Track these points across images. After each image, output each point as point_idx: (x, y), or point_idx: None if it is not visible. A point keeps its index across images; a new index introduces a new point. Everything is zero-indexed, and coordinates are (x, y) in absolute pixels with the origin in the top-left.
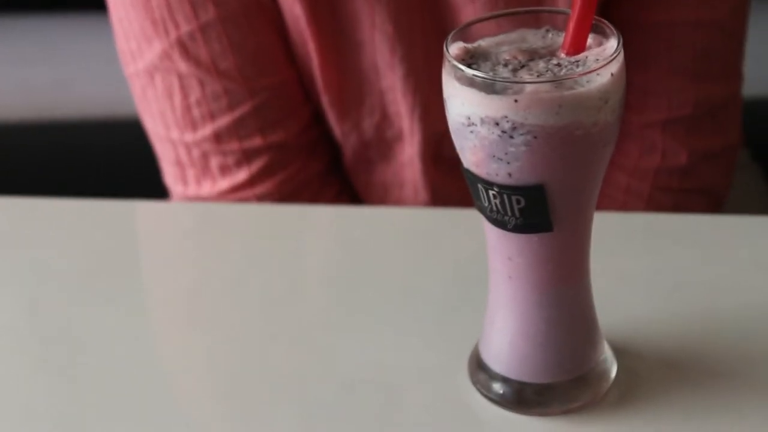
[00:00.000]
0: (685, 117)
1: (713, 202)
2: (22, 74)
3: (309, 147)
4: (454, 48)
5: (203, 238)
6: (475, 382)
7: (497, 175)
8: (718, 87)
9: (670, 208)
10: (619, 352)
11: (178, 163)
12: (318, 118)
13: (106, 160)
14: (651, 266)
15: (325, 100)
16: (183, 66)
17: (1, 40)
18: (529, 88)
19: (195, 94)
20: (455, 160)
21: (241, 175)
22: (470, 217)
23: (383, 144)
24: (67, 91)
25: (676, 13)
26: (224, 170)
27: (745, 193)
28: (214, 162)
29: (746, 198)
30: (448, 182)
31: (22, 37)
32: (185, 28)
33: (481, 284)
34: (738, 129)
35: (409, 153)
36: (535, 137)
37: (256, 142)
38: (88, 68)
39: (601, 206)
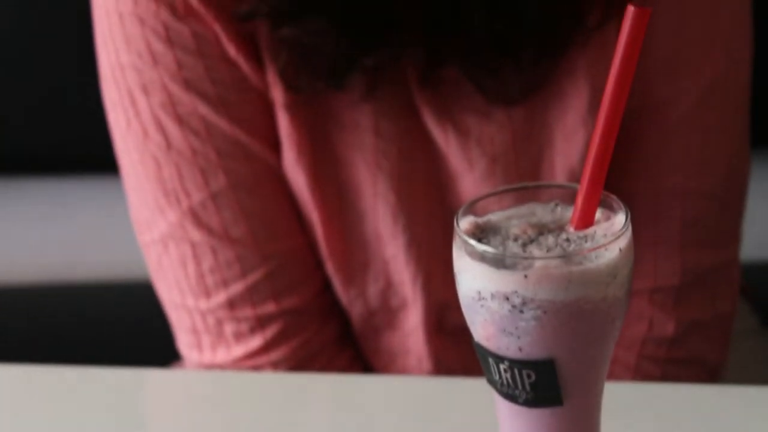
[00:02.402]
0: (673, 286)
1: (705, 372)
2: (34, 236)
3: (323, 312)
4: (464, 222)
5: (213, 408)
6: None
7: (508, 349)
8: (708, 256)
9: (657, 379)
10: None
11: (194, 331)
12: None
13: (118, 325)
14: None
15: (330, 267)
16: (196, 234)
17: (13, 202)
18: (538, 263)
19: (208, 261)
20: (458, 331)
21: (256, 341)
22: (476, 387)
23: (388, 312)
24: (78, 254)
25: (664, 182)
26: (239, 337)
27: (754, 362)
28: (229, 329)
29: (755, 367)
30: (451, 353)
31: (34, 199)
32: (197, 197)
33: None
34: (733, 297)
35: (413, 322)
36: (545, 312)
37: (270, 308)
38: (100, 231)
39: None
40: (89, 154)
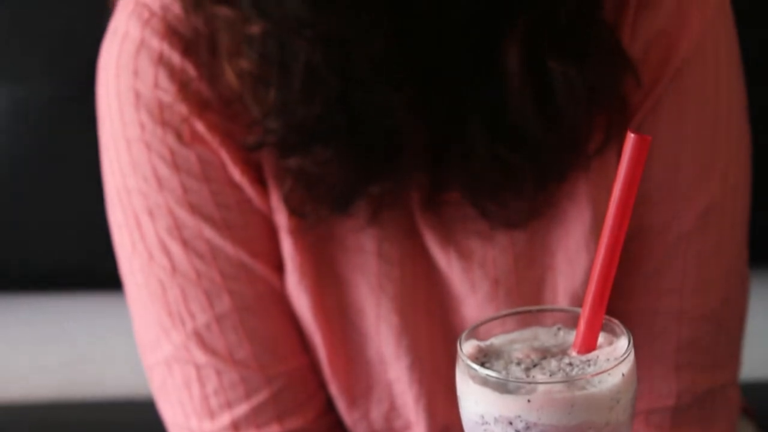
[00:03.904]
0: (668, 407)
1: None
2: (38, 353)
3: None
4: (467, 346)
5: None
6: None
7: None
8: (704, 378)
9: None
10: None
11: None
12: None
13: None
14: None
15: (333, 389)
16: (200, 356)
17: (14, 319)
18: (541, 388)
19: (212, 383)
20: None
21: None
22: None
23: None
24: (80, 372)
25: (660, 304)
26: None
27: None
28: None
29: None
30: None
31: (38, 316)
32: (201, 319)
33: None
34: (731, 419)
35: None
36: None
37: (274, 429)
38: (102, 348)
39: None
40: (92, 271)
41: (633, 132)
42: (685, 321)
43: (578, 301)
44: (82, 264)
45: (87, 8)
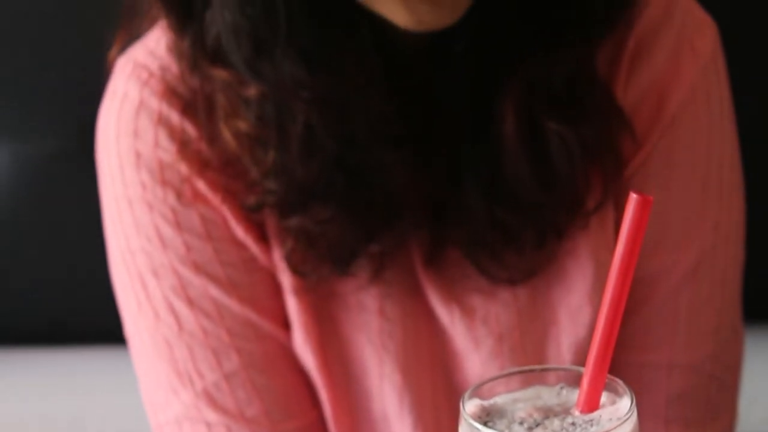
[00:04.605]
0: None
1: None
2: (39, 408)
3: None
4: (470, 405)
5: None
6: None
7: None
8: (694, 430)
9: None
10: None
11: None
12: None
13: None
14: None
15: None
16: (211, 415)
17: (16, 373)
18: None
19: None
20: None
21: None
22: None
23: None
24: (84, 427)
25: (650, 356)
26: None
27: None
28: None
29: None
30: None
31: (38, 371)
32: (210, 377)
33: None
34: None
35: None
36: None
37: None
38: (104, 403)
39: None
40: (95, 326)
41: (636, 192)
42: (675, 373)
43: (583, 355)
44: (84, 319)
45: (88, 66)
